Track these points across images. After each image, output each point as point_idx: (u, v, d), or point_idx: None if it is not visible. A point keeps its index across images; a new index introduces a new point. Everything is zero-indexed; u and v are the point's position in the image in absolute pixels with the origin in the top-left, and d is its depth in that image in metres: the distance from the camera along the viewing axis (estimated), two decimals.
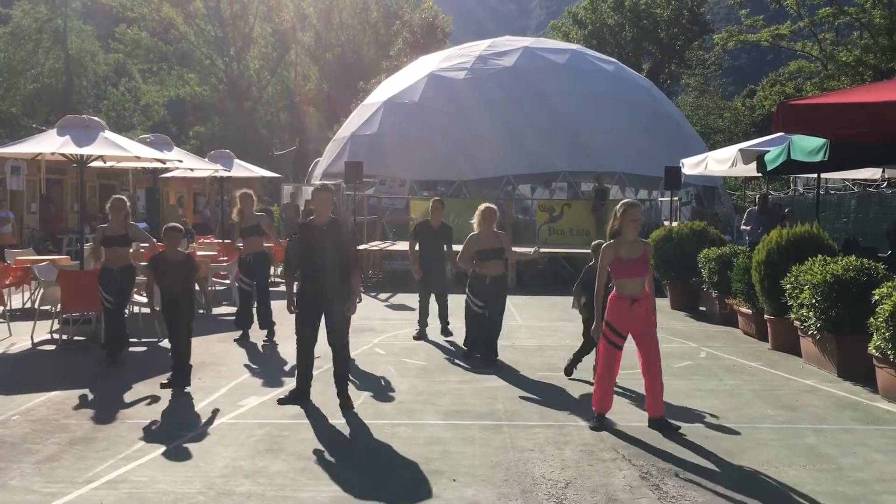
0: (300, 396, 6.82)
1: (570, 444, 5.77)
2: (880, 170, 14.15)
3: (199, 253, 14.15)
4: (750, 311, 10.38)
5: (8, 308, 10.83)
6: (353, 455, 5.56)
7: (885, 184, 20.26)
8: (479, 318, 8.61)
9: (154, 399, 7.00)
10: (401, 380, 7.79)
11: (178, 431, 6.02)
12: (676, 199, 18.13)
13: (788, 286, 8.68)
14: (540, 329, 11.10)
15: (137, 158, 11.55)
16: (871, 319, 7.11)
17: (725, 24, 51.83)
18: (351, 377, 7.53)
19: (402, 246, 17.79)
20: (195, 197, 32.23)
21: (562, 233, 19.68)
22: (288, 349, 9.07)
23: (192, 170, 15.79)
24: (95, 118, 11.26)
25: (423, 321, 10.16)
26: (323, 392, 6.86)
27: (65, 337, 9.55)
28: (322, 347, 6.91)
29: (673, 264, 12.81)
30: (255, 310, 9.98)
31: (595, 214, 19.19)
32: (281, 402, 6.82)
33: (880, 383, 7.20)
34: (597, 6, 48.34)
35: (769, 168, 11.11)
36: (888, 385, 7.05)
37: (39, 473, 5.10)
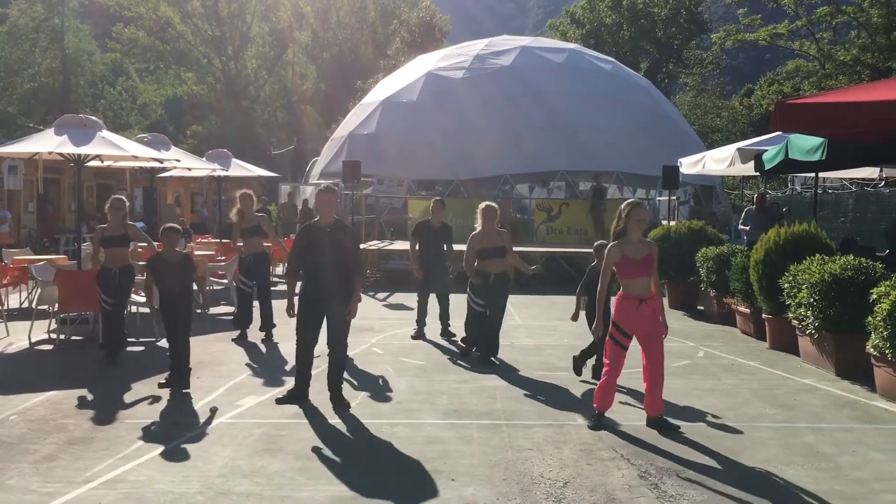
0: (298, 396, 6.81)
1: (569, 443, 5.77)
2: (878, 169, 14.16)
3: (196, 252, 14.14)
4: (748, 311, 10.39)
5: (5, 308, 10.81)
6: (351, 455, 5.55)
7: (883, 183, 20.30)
8: (480, 316, 8.61)
9: (152, 399, 6.99)
10: (399, 379, 7.79)
11: (177, 431, 6.01)
12: (674, 198, 18.14)
13: (786, 285, 8.69)
14: (538, 328, 11.10)
15: (135, 158, 11.52)
16: (869, 318, 7.11)
17: (723, 23, 51.88)
18: (349, 377, 7.54)
19: (400, 245, 17.82)
20: (193, 196, 32.22)
21: (560, 232, 19.69)
22: (287, 349, 9.07)
23: (189, 169, 15.76)
24: (93, 117, 11.23)
25: (421, 321, 10.15)
26: (321, 392, 6.85)
27: (62, 337, 9.54)
28: (321, 347, 6.91)
29: (671, 264, 12.81)
30: (254, 310, 9.97)
31: (593, 214, 19.20)
32: (279, 401, 6.81)
33: (878, 382, 7.21)
34: (594, 5, 48.36)
35: (767, 167, 11.11)
36: (886, 384, 7.05)
37: (37, 473, 5.09)
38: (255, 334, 9.88)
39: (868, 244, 14.70)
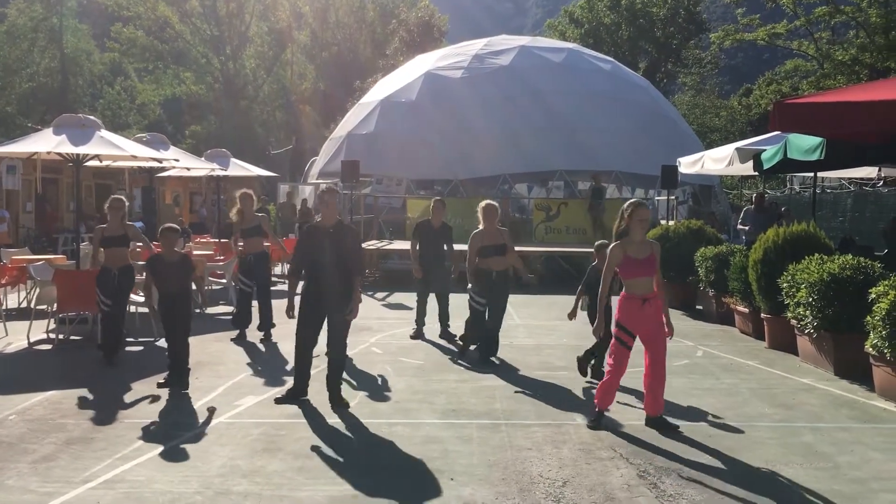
0: (297, 395, 6.81)
1: (568, 442, 5.77)
2: (876, 168, 14.17)
3: (195, 252, 14.13)
4: (747, 310, 10.40)
5: (4, 308, 10.80)
6: (350, 454, 5.55)
7: (882, 182, 20.32)
8: (481, 315, 8.58)
9: (151, 398, 6.98)
10: (398, 379, 7.79)
11: (176, 431, 6.01)
12: (673, 197, 18.16)
13: (785, 285, 8.69)
14: (537, 328, 11.10)
15: (134, 158, 11.50)
16: (868, 318, 7.12)
17: (722, 22, 51.93)
18: (347, 377, 7.53)
19: (399, 245, 17.82)
20: (191, 196, 32.21)
21: (558, 232, 19.70)
22: (285, 348, 9.07)
23: (188, 169, 15.74)
24: (91, 117, 11.22)
25: (420, 320, 10.15)
26: (320, 392, 6.85)
27: (61, 336, 9.53)
28: (320, 348, 6.91)
29: (670, 263, 12.78)
30: (254, 309, 9.97)
31: (591, 213, 19.21)
32: (278, 401, 6.81)
33: (877, 381, 7.21)
34: (593, 5, 48.40)
35: (765, 167, 11.13)
36: (885, 383, 7.06)
37: (36, 473, 5.08)
38: (253, 334, 9.88)
39: (867, 244, 14.74)
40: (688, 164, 14.29)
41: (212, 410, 6.53)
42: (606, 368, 6.25)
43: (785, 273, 8.75)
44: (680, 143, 21.95)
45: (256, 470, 5.17)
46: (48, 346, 9.43)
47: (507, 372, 8.15)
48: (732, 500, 4.74)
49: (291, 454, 5.48)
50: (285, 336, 9.49)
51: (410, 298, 10.92)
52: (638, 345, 6.16)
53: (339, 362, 6.82)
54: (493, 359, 8.58)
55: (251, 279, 9.95)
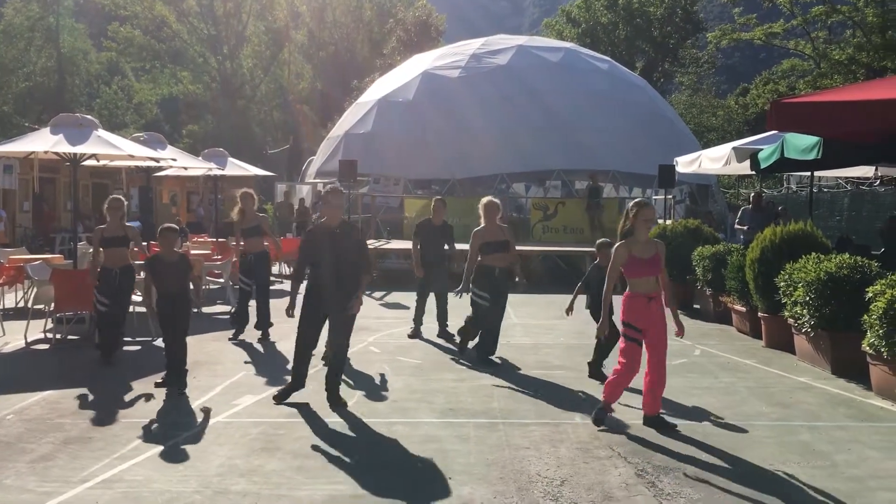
0: (295, 388, 6.78)
1: (566, 441, 5.78)
2: (873, 168, 14.20)
3: (193, 252, 14.12)
4: (744, 309, 10.41)
5: (1, 307, 10.79)
6: (348, 453, 5.55)
7: (878, 182, 20.35)
8: (486, 311, 8.52)
9: (149, 398, 6.98)
10: (396, 378, 7.79)
11: (174, 430, 6.00)
12: (670, 197, 18.18)
13: (782, 284, 8.70)
14: (535, 327, 11.11)
15: (131, 157, 11.51)
16: (865, 317, 7.13)
17: (718, 22, 52.04)
18: (345, 377, 7.53)
19: (397, 244, 17.83)
20: (189, 196, 32.17)
21: (556, 231, 19.72)
22: (283, 348, 9.07)
23: (185, 168, 15.75)
24: (88, 116, 11.22)
25: (418, 319, 10.14)
26: (319, 391, 6.85)
27: (58, 336, 9.52)
28: (320, 349, 6.90)
29: (667, 262, 12.80)
30: (252, 309, 9.97)
31: (589, 213, 19.23)
32: (277, 398, 6.79)
33: (874, 380, 7.23)
34: (590, 4, 48.43)
35: (763, 166, 11.15)
36: (882, 382, 7.08)
37: (34, 473, 5.08)
38: (252, 334, 9.87)
39: (863, 243, 14.76)
40: (685, 164, 14.31)
41: (207, 411, 6.51)
42: (617, 367, 6.21)
43: (782, 272, 8.77)
44: (677, 142, 21.98)
45: (255, 469, 5.17)
46: (46, 346, 9.41)
47: (505, 371, 8.16)
48: (730, 498, 4.75)
49: (290, 453, 5.48)
50: (283, 335, 9.51)
51: (408, 298, 10.92)
52: None
53: (339, 362, 6.81)
54: (492, 358, 8.57)
55: (251, 278, 9.95)
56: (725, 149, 12.74)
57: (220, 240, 16.36)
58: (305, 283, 6.82)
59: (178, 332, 7.30)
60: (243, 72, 49.57)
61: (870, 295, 7.18)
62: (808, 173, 13.65)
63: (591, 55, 27.34)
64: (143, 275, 8.11)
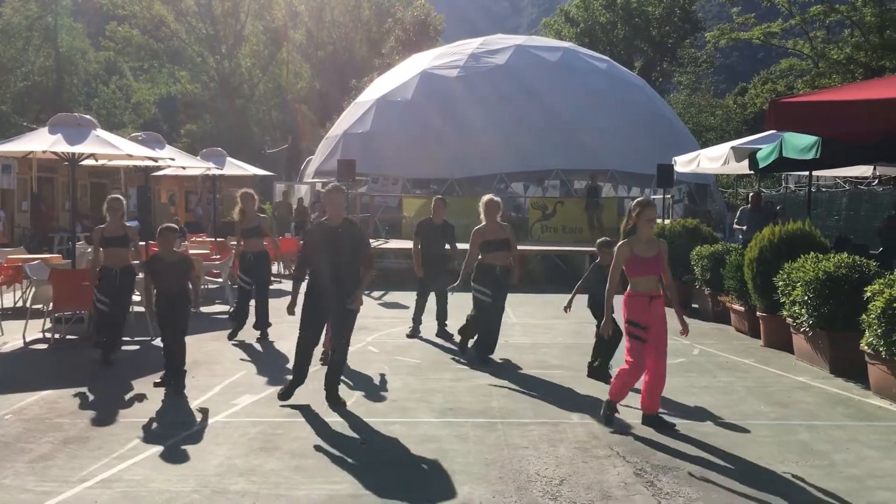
0: (296, 385, 6.78)
1: (565, 441, 5.78)
2: (871, 167, 14.22)
3: (191, 251, 14.11)
4: (742, 309, 10.42)
5: (0, 307, 10.78)
6: (347, 453, 5.55)
7: (877, 181, 20.37)
8: (488, 307, 8.45)
9: (143, 397, 6.98)
10: (394, 378, 7.79)
11: (172, 430, 6.00)
12: (669, 196, 18.18)
13: (781, 283, 8.71)
14: (534, 327, 11.12)
15: (129, 157, 11.49)
16: (863, 316, 7.14)
17: (717, 21, 52.00)
18: (344, 376, 7.52)
19: (395, 244, 17.83)
20: (187, 195, 32.17)
21: (555, 230, 19.72)
22: (283, 347, 9.07)
23: (184, 168, 15.73)
24: (87, 116, 11.20)
25: (417, 319, 10.14)
26: (317, 391, 6.85)
27: (57, 336, 9.51)
28: (320, 350, 6.90)
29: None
30: (251, 308, 9.97)
31: (588, 212, 19.23)
32: (281, 397, 6.76)
33: (872, 380, 7.24)
34: (589, 4, 48.44)
35: (761, 166, 11.15)
36: (880, 381, 7.08)
37: (33, 472, 5.08)
38: (251, 333, 9.86)
39: (862, 242, 14.77)
40: (683, 163, 14.32)
41: (204, 411, 6.50)
42: (624, 366, 6.20)
43: (780, 272, 8.77)
44: (675, 141, 22.01)
45: (253, 469, 5.17)
46: (44, 346, 9.41)
47: (504, 371, 8.16)
48: (729, 497, 4.75)
49: (289, 453, 5.48)
50: (282, 335, 9.51)
51: (407, 297, 10.92)
52: None
53: (339, 361, 6.81)
54: (491, 357, 8.56)
55: (251, 277, 9.94)
56: (724, 148, 12.74)
57: (218, 239, 16.35)
58: (306, 281, 6.82)
59: (177, 332, 7.30)
60: (241, 71, 49.55)
61: (868, 294, 7.19)
62: (807, 173, 13.65)
63: (589, 55, 27.36)
64: (142, 275, 8.10)
